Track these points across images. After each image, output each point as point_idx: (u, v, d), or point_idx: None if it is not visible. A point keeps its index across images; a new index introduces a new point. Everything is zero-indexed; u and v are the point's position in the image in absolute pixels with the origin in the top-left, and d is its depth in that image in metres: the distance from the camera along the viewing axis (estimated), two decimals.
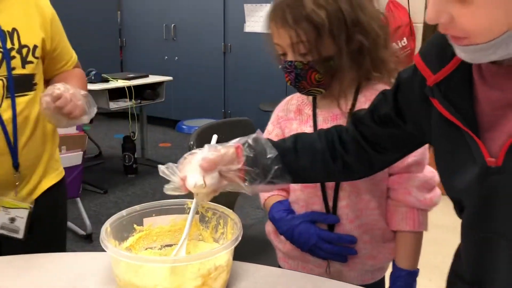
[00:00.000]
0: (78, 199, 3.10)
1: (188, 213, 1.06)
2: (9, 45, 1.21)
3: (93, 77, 3.73)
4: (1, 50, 1.20)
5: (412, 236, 1.16)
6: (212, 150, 0.97)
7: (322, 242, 1.15)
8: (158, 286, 0.91)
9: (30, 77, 1.28)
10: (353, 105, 1.17)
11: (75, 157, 2.67)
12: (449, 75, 0.82)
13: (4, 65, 1.21)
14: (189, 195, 1.01)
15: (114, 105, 3.86)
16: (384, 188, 1.18)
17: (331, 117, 1.18)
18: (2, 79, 1.21)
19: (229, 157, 0.97)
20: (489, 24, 0.65)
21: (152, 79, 4.26)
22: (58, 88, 1.18)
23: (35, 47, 1.27)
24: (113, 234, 1.01)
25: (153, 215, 1.10)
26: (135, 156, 4.26)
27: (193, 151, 1.00)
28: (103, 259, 1.10)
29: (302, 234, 1.16)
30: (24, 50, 1.25)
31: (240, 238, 0.96)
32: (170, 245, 1.11)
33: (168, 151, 5.00)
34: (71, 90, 1.20)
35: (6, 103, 1.23)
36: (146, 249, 1.10)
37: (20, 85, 1.25)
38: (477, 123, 0.78)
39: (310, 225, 1.17)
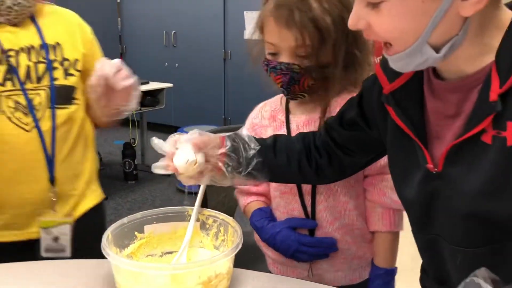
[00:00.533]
0: None
1: (189, 221, 1.07)
2: (52, 57, 1.26)
3: None
4: (45, 61, 1.25)
5: (388, 236, 1.20)
6: (199, 133, 1.01)
7: (303, 247, 1.17)
8: None
9: (71, 90, 1.30)
10: (324, 111, 1.19)
11: None
12: (403, 85, 0.87)
13: (47, 75, 1.25)
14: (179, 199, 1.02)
15: None
16: (360, 189, 1.21)
17: (304, 122, 1.20)
18: (45, 89, 1.25)
19: (214, 142, 1.02)
20: (399, 31, 0.72)
21: (153, 85, 4.28)
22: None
23: (76, 60, 1.32)
24: (114, 242, 1.02)
25: (154, 222, 1.10)
26: (135, 162, 4.27)
27: (177, 133, 1.03)
28: (104, 266, 1.11)
29: (283, 241, 1.18)
30: (66, 63, 1.29)
31: (240, 246, 0.97)
32: (171, 252, 1.11)
33: None
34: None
35: (47, 113, 1.25)
36: (147, 256, 1.10)
37: (61, 96, 1.28)
38: (425, 132, 0.84)
39: (290, 232, 1.19)
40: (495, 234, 0.76)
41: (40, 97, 1.24)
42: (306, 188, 1.20)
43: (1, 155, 1.21)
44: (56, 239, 1.28)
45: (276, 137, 1.12)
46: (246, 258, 1.18)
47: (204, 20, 5.44)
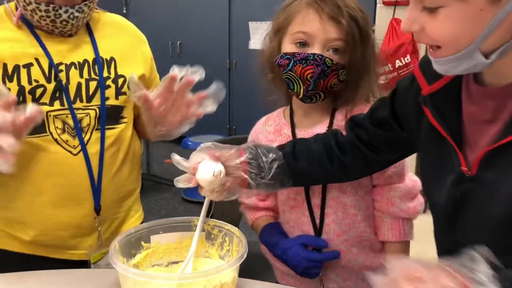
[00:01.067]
0: None
1: (195, 231, 1.09)
2: (105, 74, 1.17)
3: None
4: (97, 78, 1.16)
5: (398, 245, 1.21)
6: (215, 146, 1.02)
7: (312, 263, 1.18)
8: None
9: (120, 109, 1.21)
10: (331, 122, 1.21)
11: None
12: (442, 88, 0.88)
13: (98, 94, 1.16)
14: (195, 211, 1.03)
15: None
16: (369, 201, 1.22)
17: (311, 136, 1.21)
18: (94, 109, 1.16)
19: (232, 153, 1.02)
20: (453, 36, 0.73)
21: None
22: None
23: (128, 79, 1.20)
24: (121, 251, 1.04)
25: (160, 232, 1.12)
26: (142, 172, 4.28)
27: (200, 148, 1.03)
28: (111, 276, 1.12)
29: (294, 258, 1.18)
30: (120, 80, 1.20)
31: (245, 256, 0.98)
32: (177, 262, 1.13)
33: (174, 168, 4.93)
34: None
35: (95, 135, 1.17)
36: (153, 266, 1.12)
37: (110, 117, 1.19)
38: (461, 136, 0.85)
39: (301, 249, 1.19)
40: None
41: (89, 118, 1.15)
42: (315, 201, 1.20)
43: (47, 179, 1.14)
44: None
45: (294, 142, 1.13)
46: (251, 268, 1.20)
47: (209, 31, 5.48)
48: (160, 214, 3.70)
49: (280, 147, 1.11)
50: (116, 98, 1.19)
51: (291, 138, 1.24)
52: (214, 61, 5.53)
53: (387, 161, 1.12)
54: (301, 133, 1.24)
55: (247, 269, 1.07)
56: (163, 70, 5.13)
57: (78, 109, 1.14)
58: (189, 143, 4.52)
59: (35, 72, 1.10)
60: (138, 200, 1.37)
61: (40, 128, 1.09)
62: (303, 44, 1.13)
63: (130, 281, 0.96)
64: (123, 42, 1.24)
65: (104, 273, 1.15)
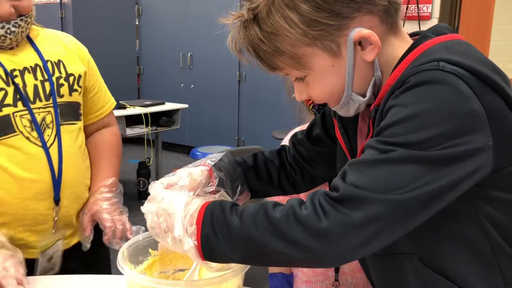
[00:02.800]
0: None
1: None
2: (57, 74, 1.29)
3: None
4: (47, 81, 1.26)
5: None
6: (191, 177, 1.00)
7: None
8: None
9: (77, 105, 1.34)
10: None
11: None
12: None
13: (51, 95, 1.27)
14: None
15: (130, 131, 3.96)
16: None
17: None
18: (50, 111, 1.27)
19: (203, 182, 1.02)
20: (327, 93, 0.86)
21: (168, 106, 4.36)
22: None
23: (79, 76, 1.35)
24: (129, 258, 1.06)
25: None
26: (150, 181, 4.32)
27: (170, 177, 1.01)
28: (117, 282, 1.14)
29: None
30: (71, 78, 1.32)
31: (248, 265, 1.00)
32: (183, 270, 1.14)
33: None
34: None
35: (54, 133, 1.27)
36: (160, 273, 1.14)
37: (69, 113, 1.30)
38: (357, 148, 0.93)
39: None
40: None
41: (51, 115, 1.27)
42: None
43: (26, 174, 1.21)
44: (50, 259, 1.29)
45: (255, 156, 1.14)
46: (256, 277, 1.21)
47: (219, 43, 5.48)
48: None
49: (242, 161, 1.12)
50: (70, 94, 1.31)
51: None
52: (224, 73, 5.59)
53: (329, 175, 1.15)
54: None
55: (252, 279, 1.09)
56: (174, 81, 5.23)
57: (39, 108, 1.24)
58: (198, 153, 4.55)
59: None
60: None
61: (8, 129, 1.19)
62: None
63: (137, 287, 0.98)
64: (63, 48, 1.36)
65: (111, 279, 1.17)
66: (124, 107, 3.98)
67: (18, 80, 1.23)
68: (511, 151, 0.75)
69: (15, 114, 1.21)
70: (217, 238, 0.77)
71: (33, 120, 1.23)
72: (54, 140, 1.26)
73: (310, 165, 1.13)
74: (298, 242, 0.70)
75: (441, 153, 0.69)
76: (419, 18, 3.89)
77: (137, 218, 2.20)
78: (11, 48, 1.25)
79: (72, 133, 1.32)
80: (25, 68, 1.25)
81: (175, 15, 5.90)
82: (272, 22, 0.80)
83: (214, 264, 0.85)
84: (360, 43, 0.80)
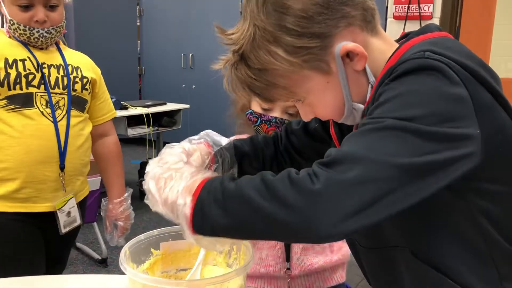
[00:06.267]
0: (95, 224, 3.16)
1: None
2: (75, 74, 1.67)
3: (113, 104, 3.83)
4: (66, 77, 1.64)
5: None
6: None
7: None
8: None
9: (84, 101, 1.70)
10: None
11: (93, 182, 2.73)
12: None
13: (70, 86, 1.64)
14: None
15: (132, 132, 3.96)
16: None
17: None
18: (64, 97, 1.63)
19: (206, 164, 1.03)
20: (330, 109, 0.88)
21: (170, 106, 4.36)
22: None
23: (91, 80, 1.72)
24: (131, 257, 1.06)
25: (170, 239, 1.14)
26: None
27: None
28: (119, 282, 1.14)
29: None
30: (85, 80, 1.69)
31: (252, 264, 0.99)
32: (185, 269, 1.15)
33: None
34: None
35: (65, 117, 1.61)
36: (162, 272, 1.14)
37: (78, 104, 1.67)
38: None
39: None
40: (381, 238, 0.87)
41: (65, 100, 1.63)
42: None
43: (36, 141, 1.54)
44: (68, 213, 1.65)
45: (253, 142, 1.14)
46: None
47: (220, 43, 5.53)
48: (170, 223, 3.69)
49: (240, 145, 1.11)
50: (81, 91, 1.68)
51: None
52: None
53: None
54: None
55: None
56: (175, 82, 5.22)
57: (56, 93, 1.61)
58: None
59: (28, 64, 1.56)
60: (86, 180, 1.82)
61: (29, 103, 1.55)
62: (266, 109, 1.37)
63: (139, 286, 0.98)
64: (82, 58, 1.77)
65: (112, 278, 1.17)
66: (125, 108, 3.98)
67: (45, 71, 1.59)
68: (499, 143, 0.75)
69: (36, 93, 1.56)
70: (210, 203, 0.74)
71: (49, 101, 1.58)
72: (62, 118, 1.60)
73: (301, 156, 1.12)
74: (292, 204, 0.68)
75: (433, 130, 0.69)
76: (420, 18, 3.88)
77: (138, 218, 2.24)
78: (42, 48, 1.62)
79: (78, 118, 1.66)
80: (51, 65, 1.62)
81: (176, 16, 5.90)
82: (258, 59, 0.81)
83: (202, 240, 0.81)
84: (348, 54, 0.81)
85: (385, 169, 0.68)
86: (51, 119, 1.58)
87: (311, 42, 0.79)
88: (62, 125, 1.60)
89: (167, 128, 4.29)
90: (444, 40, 0.81)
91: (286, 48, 0.80)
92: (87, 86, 1.70)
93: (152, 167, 0.87)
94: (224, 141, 1.06)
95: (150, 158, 4.45)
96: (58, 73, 1.63)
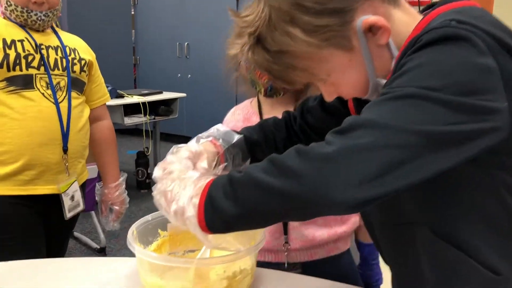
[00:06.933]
0: (93, 213, 3.13)
1: None
2: (73, 55, 1.65)
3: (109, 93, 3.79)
4: (64, 58, 1.63)
5: None
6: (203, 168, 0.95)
7: None
8: (185, 287, 0.92)
9: (82, 83, 1.69)
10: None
11: (91, 170, 2.68)
12: None
13: (69, 67, 1.63)
14: None
15: (129, 121, 3.92)
16: None
17: None
18: (64, 79, 1.61)
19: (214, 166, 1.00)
20: (353, 88, 0.84)
21: (166, 95, 4.32)
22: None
23: (88, 62, 1.71)
24: (139, 238, 1.03)
25: None
26: (148, 171, 4.29)
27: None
28: (127, 265, 1.12)
29: None
30: (82, 62, 1.68)
31: (263, 243, 0.97)
32: (193, 251, 1.12)
33: None
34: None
35: (66, 99, 1.59)
36: (169, 254, 1.11)
37: (77, 85, 1.65)
38: None
39: None
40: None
41: (65, 81, 1.61)
42: None
43: (38, 122, 1.52)
44: (72, 197, 1.64)
45: (263, 129, 1.09)
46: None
47: (216, 32, 5.47)
48: None
49: (250, 134, 1.07)
50: (80, 73, 1.66)
51: None
52: (222, 62, 5.53)
53: None
54: None
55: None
56: (171, 71, 5.18)
57: (56, 75, 1.59)
58: None
59: (27, 45, 1.54)
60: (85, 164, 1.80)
61: (29, 85, 1.52)
62: None
63: (147, 266, 0.96)
64: (78, 41, 1.76)
65: (121, 261, 1.15)
66: (122, 96, 3.94)
67: (43, 52, 1.57)
68: None
69: (37, 75, 1.54)
70: (219, 197, 0.72)
71: (50, 82, 1.56)
72: (63, 99, 1.58)
73: (318, 134, 1.07)
74: (301, 173, 0.64)
75: (458, 101, 0.65)
76: (419, 4, 3.86)
77: (136, 207, 2.21)
78: (39, 31, 1.61)
79: (78, 100, 1.65)
80: (49, 46, 1.60)
81: (171, 5, 5.85)
82: (275, 41, 0.78)
83: (211, 237, 0.80)
84: (370, 29, 0.77)
85: (403, 135, 0.65)
86: (53, 100, 1.56)
87: (330, 19, 0.75)
88: (63, 106, 1.58)
89: (163, 117, 4.25)
90: (471, 9, 0.77)
91: (304, 28, 0.76)
92: (85, 68, 1.69)
93: (158, 177, 0.85)
94: (235, 137, 1.02)
95: (147, 148, 4.39)
96: (57, 54, 1.61)
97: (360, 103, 0.94)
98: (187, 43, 5.77)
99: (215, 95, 5.64)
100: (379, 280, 1.33)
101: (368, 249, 1.34)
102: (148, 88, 4.95)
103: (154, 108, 4.13)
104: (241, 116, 1.37)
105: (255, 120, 1.32)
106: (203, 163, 0.91)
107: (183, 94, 4.49)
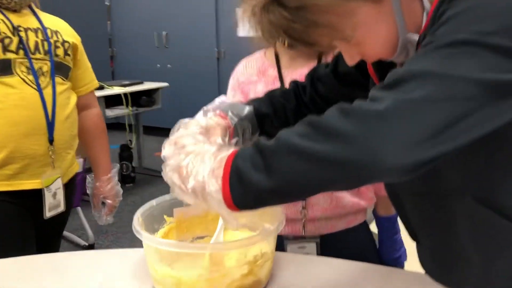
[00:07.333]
0: (79, 209, 3.00)
1: None
2: (55, 38, 1.50)
3: None
4: (45, 41, 1.48)
5: None
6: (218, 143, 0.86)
7: None
8: (201, 276, 0.83)
9: (67, 68, 1.54)
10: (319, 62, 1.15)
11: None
12: None
13: (52, 51, 1.48)
14: None
15: (110, 113, 3.78)
16: None
17: (299, 77, 1.12)
18: (47, 63, 1.46)
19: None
20: (381, 46, 0.75)
21: (148, 85, 4.19)
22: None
23: (73, 45, 1.56)
24: (145, 226, 0.93)
25: (184, 204, 1.02)
26: (133, 164, 4.17)
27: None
28: (129, 256, 1.03)
29: None
30: (66, 45, 1.53)
31: (284, 223, 0.88)
32: (202, 237, 1.03)
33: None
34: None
35: (50, 84, 1.45)
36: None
37: (61, 70, 1.50)
38: None
39: None
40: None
41: (48, 66, 1.46)
42: None
43: (21, 111, 1.38)
44: (54, 195, 1.48)
45: (272, 101, 1.01)
46: None
47: (195, 20, 5.36)
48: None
49: (258, 106, 0.99)
50: (64, 57, 1.51)
51: (277, 79, 1.18)
52: (202, 51, 5.42)
53: None
54: (288, 74, 1.18)
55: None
56: (150, 62, 5.02)
57: (38, 59, 1.44)
58: None
59: (3, 27, 1.39)
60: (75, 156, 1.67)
61: (7, 71, 1.38)
62: None
63: (157, 255, 0.86)
64: (60, 23, 1.60)
65: (122, 253, 1.06)
66: (101, 88, 3.79)
67: (22, 34, 1.42)
68: None
69: (16, 60, 1.39)
70: (248, 170, 0.63)
71: (31, 67, 1.41)
72: (47, 85, 1.43)
73: (329, 105, 1.00)
74: (350, 135, 0.57)
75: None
76: None
77: (122, 201, 2.15)
78: (16, 11, 1.45)
79: (63, 86, 1.50)
80: (28, 28, 1.45)
81: None
82: None
83: (237, 216, 0.70)
84: None
85: (464, 85, 0.58)
86: (35, 87, 1.41)
87: None
88: (47, 93, 1.43)
89: (146, 108, 4.12)
90: None
91: None
92: (69, 52, 1.54)
93: (169, 154, 0.75)
94: (244, 109, 0.94)
95: (130, 140, 4.26)
96: (37, 37, 1.45)
97: (382, 68, 0.86)
98: (166, 33, 5.62)
99: (197, 85, 5.52)
100: (402, 257, 1.25)
101: (388, 223, 1.25)
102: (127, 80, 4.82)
103: (136, 100, 4.00)
104: (255, 69, 1.24)
105: (271, 73, 1.20)
106: (218, 139, 0.82)
107: (166, 84, 4.36)
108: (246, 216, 0.70)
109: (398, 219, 1.16)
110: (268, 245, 0.88)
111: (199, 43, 5.40)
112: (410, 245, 1.00)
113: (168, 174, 0.72)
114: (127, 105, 3.83)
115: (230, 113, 0.91)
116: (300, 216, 1.14)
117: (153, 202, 0.98)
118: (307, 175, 0.60)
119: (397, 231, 1.25)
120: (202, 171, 0.67)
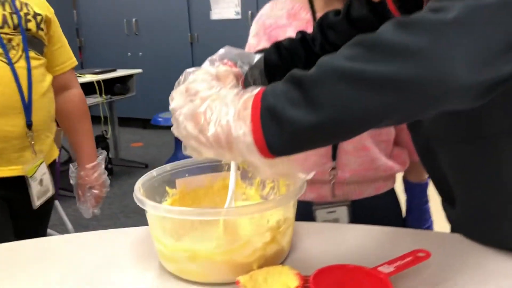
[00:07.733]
0: (57, 202, 2.84)
1: (227, 170, 0.89)
2: (25, 10, 1.35)
3: None
4: (15, 14, 1.34)
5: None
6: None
7: None
8: (219, 247, 0.72)
9: (41, 43, 1.39)
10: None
11: None
12: None
13: (22, 24, 1.34)
14: None
15: None
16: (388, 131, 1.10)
17: None
18: (17, 37, 1.33)
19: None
20: None
21: (121, 72, 4.03)
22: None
23: (46, 18, 1.41)
24: (146, 197, 0.82)
25: (186, 175, 0.91)
26: (109, 156, 4.01)
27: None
28: (129, 235, 0.92)
29: None
30: (38, 17, 1.38)
31: (304, 189, 0.78)
32: None
33: (141, 151, 4.77)
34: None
35: (23, 58, 1.31)
36: None
37: (34, 45, 1.36)
38: None
39: None
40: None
41: (19, 40, 1.32)
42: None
43: None
44: (41, 181, 1.38)
45: (279, 51, 0.91)
46: None
47: (166, 4, 5.19)
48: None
49: (267, 55, 0.90)
50: (37, 31, 1.37)
51: (311, 23, 1.06)
52: (174, 36, 5.26)
53: None
54: None
55: None
56: (120, 50, 4.83)
57: (7, 33, 1.30)
58: (159, 119, 4.25)
59: None
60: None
61: None
62: None
63: (167, 224, 0.76)
64: None
65: (120, 233, 0.95)
66: None
67: None
68: None
69: None
70: (283, 107, 0.54)
71: (1, 42, 1.27)
72: (19, 59, 1.30)
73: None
74: (420, 48, 0.48)
75: None
76: None
77: None
78: None
79: (38, 61, 1.36)
80: None
81: None
82: None
83: (271, 163, 0.59)
84: None
85: None
86: (5, 60, 1.27)
87: None
88: (20, 67, 1.29)
89: (120, 96, 3.96)
90: None
91: None
92: (42, 25, 1.39)
93: (180, 104, 0.63)
94: (254, 57, 0.84)
95: (105, 130, 4.08)
96: (4, 10, 1.31)
97: (404, 4, 0.77)
98: (136, 19, 5.43)
99: (171, 71, 5.34)
100: (430, 228, 1.17)
101: (420, 190, 1.16)
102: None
103: (109, 87, 3.83)
104: (284, 11, 1.11)
105: (304, 16, 1.09)
106: (231, 84, 0.71)
107: (139, 70, 4.20)
108: (279, 163, 0.59)
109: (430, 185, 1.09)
110: (292, 209, 0.78)
111: (171, 28, 5.23)
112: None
113: (182, 124, 0.61)
114: (100, 94, 3.66)
115: (239, 62, 0.80)
116: (329, 177, 1.04)
117: (153, 172, 0.87)
118: (362, 103, 0.50)
119: (427, 200, 1.17)
120: (225, 115, 0.57)
